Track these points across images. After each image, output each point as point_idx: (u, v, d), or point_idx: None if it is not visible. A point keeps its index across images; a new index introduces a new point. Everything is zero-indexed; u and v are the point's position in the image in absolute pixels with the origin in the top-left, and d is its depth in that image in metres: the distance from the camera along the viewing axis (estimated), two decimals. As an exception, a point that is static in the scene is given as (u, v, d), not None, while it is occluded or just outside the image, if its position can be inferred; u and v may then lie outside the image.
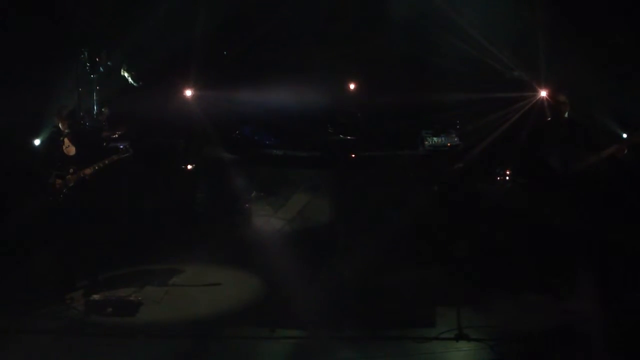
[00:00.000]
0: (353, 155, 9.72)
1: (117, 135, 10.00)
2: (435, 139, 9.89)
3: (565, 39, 9.71)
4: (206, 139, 10.45)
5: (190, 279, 7.94)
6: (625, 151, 7.24)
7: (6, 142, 9.25)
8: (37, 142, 9.27)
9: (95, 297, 6.99)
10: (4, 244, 8.27)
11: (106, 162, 7.25)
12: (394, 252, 8.53)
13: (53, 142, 7.34)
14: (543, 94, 9.48)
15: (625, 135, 8.40)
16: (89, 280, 7.49)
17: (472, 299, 7.14)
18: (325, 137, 10.21)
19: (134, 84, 10.63)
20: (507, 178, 9.00)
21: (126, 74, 10.51)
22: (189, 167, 10.10)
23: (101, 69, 10.33)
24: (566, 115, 7.66)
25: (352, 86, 11.58)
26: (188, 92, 10.90)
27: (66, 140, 7.23)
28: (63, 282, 7.41)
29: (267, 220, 9.34)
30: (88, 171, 7.19)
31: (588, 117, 8.07)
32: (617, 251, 7.34)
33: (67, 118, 7.27)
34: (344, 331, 6.37)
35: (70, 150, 7.27)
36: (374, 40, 11.09)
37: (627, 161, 7.57)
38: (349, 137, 10.06)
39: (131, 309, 6.88)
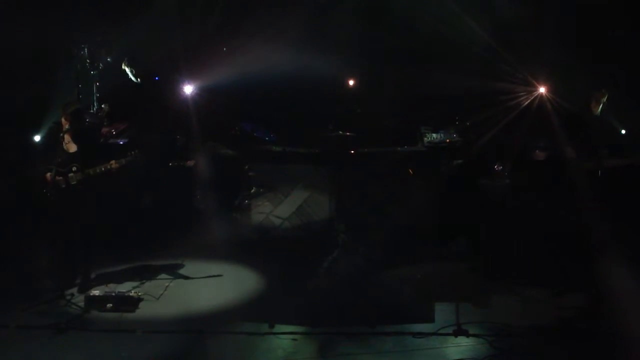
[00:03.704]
0: (352, 152, 9.74)
1: (116, 132, 10.01)
2: (434, 135, 9.91)
3: (565, 35, 9.74)
4: (206, 135, 10.46)
5: (189, 274, 7.95)
6: None
7: (6, 138, 9.27)
8: (37, 138, 9.30)
9: (96, 292, 6.99)
10: (4, 240, 8.31)
11: (115, 165, 7.14)
12: (393, 247, 8.57)
13: (53, 138, 7.30)
14: (542, 89, 9.51)
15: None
16: (89, 276, 7.50)
17: (470, 295, 7.18)
18: (324, 133, 10.21)
19: (134, 80, 10.63)
20: (506, 174, 9.00)
21: (127, 69, 10.51)
22: (189, 163, 10.11)
23: (101, 65, 10.35)
24: (598, 112, 7.69)
25: (351, 82, 11.60)
26: (188, 88, 10.90)
27: (66, 136, 7.18)
28: (63, 278, 7.40)
29: (267, 216, 9.36)
30: (115, 165, 7.11)
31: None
32: (616, 248, 7.34)
33: (71, 115, 7.17)
34: (343, 326, 6.38)
35: (71, 146, 7.23)
36: (373, 37, 11.11)
37: None
38: (348, 134, 10.08)
39: (131, 305, 6.89)
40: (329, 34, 11.03)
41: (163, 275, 7.91)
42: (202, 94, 10.90)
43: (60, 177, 7.09)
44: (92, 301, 6.88)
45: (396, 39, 10.88)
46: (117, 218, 8.82)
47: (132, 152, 7.25)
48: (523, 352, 5.92)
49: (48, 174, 7.06)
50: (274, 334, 6.28)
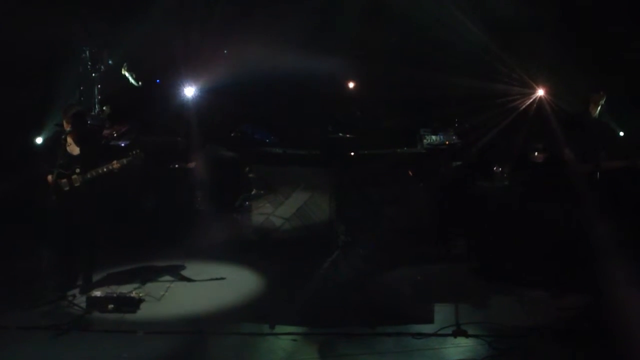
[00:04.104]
0: (352, 153, 9.77)
1: (117, 134, 10.04)
2: (433, 137, 9.95)
3: (564, 37, 9.77)
4: (206, 137, 10.49)
5: (191, 276, 7.97)
6: None
7: (8, 139, 9.30)
8: (39, 140, 9.33)
9: (97, 293, 6.99)
10: (5, 240, 8.33)
11: (117, 165, 7.12)
12: (392, 249, 8.61)
13: (56, 141, 7.28)
14: (541, 92, 9.55)
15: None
16: (90, 277, 7.52)
17: (470, 295, 7.21)
18: (324, 135, 10.25)
19: (135, 83, 10.66)
20: (505, 175, 9.05)
21: (127, 73, 10.55)
22: (190, 164, 10.14)
23: (102, 67, 10.38)
24: (596, 114, 7.71)
25: (351, 84, 11.63)
26: (188, 90, 10.94)
27: (69, 138, 7.19)
28: (64, 279, 7.42)
29: (267, 218, 9.39)
30: (116, 165, 7.09)
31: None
32: (616, 249, 7.36)
33: (72, 118, 7.16)
34: (343, 327, 6.40)
35: (74, 149, 7.24)
36: (373, 39, 11.15)
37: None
38: (348, 136, 10.11)
39: (132, 306, 6.91)
40: (329, 37, 11.07)
41: (164, 277, 7.92)
42: (203, 96, 10.94)
43: (64, 180, 7.10)
44: (93, 302, 6.88)
45: (396, 41, 10.93)
46: (119, 219, 8.85)
47: (133, 152, 7.26)
48: (522, 352, 5.93)
49: (49, 176, 7.07)
50: (275, 334, 6.29)
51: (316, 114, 10.87)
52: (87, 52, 10.27)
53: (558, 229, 7.66)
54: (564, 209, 7.67)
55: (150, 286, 7.56)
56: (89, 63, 10.29)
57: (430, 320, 6.59)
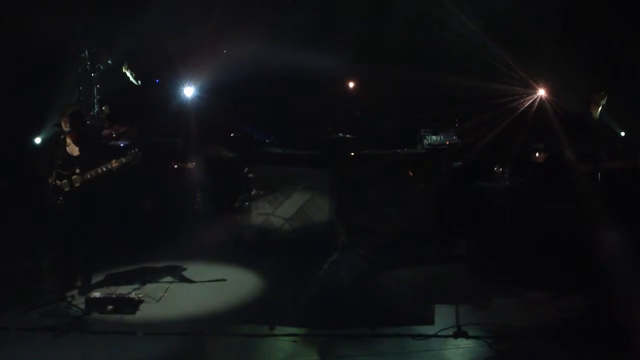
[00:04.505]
0: (352, 154, 9.76)
1: (117, 134, 10.03)
2: (434, 137, 9.94)
3: (565, 37, 9.77)
4: (206, 137, 10.48)
5: (190, 277, 7.96)
6: None
7: (7, 140, 9.29)
8: (38, 140, 9.32)
9: (96, 294, 6.99)
10: (5, 241, 8.32)
11: (116, 164, 7.09)
12: (392, 249, 8.60)
13: (55, 141, 7.25)
14: (541, 92, 9.55)
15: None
16: (89, 278, 7.50)
17: (470, 296, 7.19)
18: (324, 135, 10.24)
19: (134, 83, 10.65)
20: (506, 176, 9.05)
21: (127, 72, 10.53)
22: (189, 165, 10.13)
23: (101, 67, 10.38)
24: (597, 114, 7.70)
25: (351, 84, 11.62)
26: (188, 91, 10.93)
27: (68, 139, 7.18)
28: (63, 280, 7.39)
29: (267, 218, 9.37)
30: (115, 164, 7.06)
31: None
32: (616, 249, 7.36)
33: (70, 117, 7.14)
34: (343, 328, 6.39)
35: (73, 149, 7.22)
36: (373, 39, 11.14)
37: None
38: (348, 136, 10.10)
39: (131, 307, 6.89)
40: (329, 37, 11.07)
41: (164, 278, 7.90)
42: (203, 96, 10.92)
43: (64, 180, 7.08)
44: (92, 303, 6.87)
45: (397, 41, 10.92)
46: (118, 220, 8.83)
47: (132, 151, 7.24)
48: (523, 354, 5.93)
49: (49, 178, 7.04)
50: (275, 335, 6.28)
51: (316, 114, 10.85)
52: (87, 52, 10.26)
53: (558, 229, 7.65)
54: (564, 209, 7.66)
55: (149, 287, 7.55)
56: (89, 63, 10.28)
57: (430, 322, 6.57)
